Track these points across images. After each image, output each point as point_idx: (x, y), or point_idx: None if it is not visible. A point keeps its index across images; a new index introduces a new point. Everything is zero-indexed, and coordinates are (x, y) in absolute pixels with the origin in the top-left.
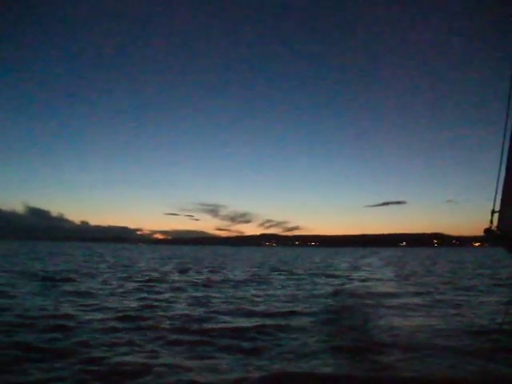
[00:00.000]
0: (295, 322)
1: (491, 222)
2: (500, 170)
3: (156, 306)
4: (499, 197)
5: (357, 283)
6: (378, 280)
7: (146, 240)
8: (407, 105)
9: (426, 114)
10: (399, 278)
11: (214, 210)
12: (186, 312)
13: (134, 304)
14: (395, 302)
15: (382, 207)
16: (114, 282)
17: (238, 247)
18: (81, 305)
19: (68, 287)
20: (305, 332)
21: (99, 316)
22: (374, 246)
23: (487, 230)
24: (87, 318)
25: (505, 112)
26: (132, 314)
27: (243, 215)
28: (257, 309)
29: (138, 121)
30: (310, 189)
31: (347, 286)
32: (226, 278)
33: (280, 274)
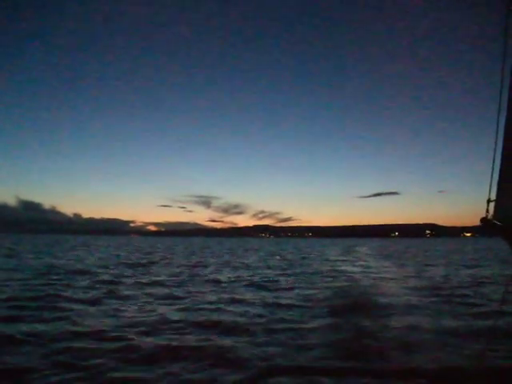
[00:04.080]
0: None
1: (487, 211)
2: (494, 158)
3: None
4: (494, 186)
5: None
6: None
7: (138, 232)
8: (400, 98)
9: (418, 106)
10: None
11: (206, 202)
12: None
13: None
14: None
15: (374, 198)
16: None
17: (234, 239)
18: None
19: None
20: None
21: None
22: (367, 237)
23: (484, 220)
24: None
25: (497, 105)
26: None
27: (236, 206)
28: None
29: (131, 114)
30: (303, 180)
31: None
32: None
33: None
